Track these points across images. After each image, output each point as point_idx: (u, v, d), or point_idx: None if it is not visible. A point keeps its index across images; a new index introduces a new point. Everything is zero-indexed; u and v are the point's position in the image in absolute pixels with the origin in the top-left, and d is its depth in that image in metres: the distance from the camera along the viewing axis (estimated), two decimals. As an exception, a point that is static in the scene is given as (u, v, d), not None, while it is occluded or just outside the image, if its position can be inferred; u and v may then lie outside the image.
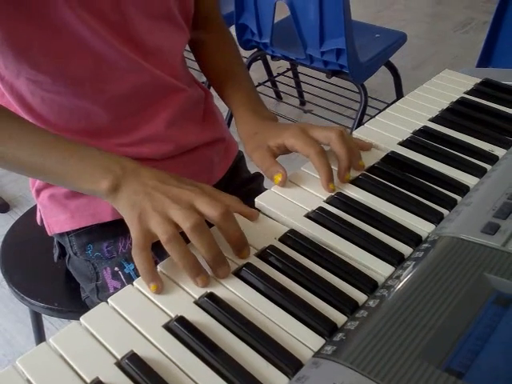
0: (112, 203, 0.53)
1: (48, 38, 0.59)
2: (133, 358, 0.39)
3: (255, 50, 1.86)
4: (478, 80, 0.80)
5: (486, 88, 0.78)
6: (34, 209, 0.85)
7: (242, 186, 0.87)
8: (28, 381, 0.38)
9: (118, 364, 0.39)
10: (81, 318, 0.43)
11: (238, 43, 1.77)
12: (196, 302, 0.45)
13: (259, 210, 0.56)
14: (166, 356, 0.40)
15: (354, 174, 0.60)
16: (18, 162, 0.55)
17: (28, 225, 0.93)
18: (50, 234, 0.76)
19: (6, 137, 0.55)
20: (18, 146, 0.55)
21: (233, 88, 0.75)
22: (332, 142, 0.59)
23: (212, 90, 0.83)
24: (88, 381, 0.38)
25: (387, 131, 0.69)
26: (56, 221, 0.74)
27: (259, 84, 2.20)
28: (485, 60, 1.29)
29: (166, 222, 0.47)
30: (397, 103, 0.75)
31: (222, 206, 0.49)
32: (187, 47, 0.80)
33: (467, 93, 0.77)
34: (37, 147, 0.55)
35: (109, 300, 0.44)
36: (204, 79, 0.88)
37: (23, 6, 0.56)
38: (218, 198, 0.52)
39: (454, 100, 0.75)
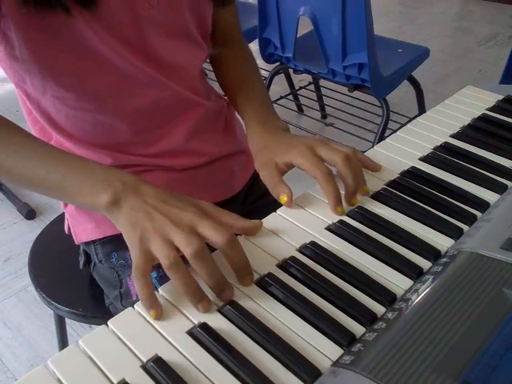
0: (111, 218, 0.52)
1: (72, 58, 0.62)
2: (157, 361, 0.41)
3: (278, 63, 1.88)
4: (501, 97, 0.81)
5: (508, 105, 0.79)
6: (61, 217, 0.88)
7: (262, 197, 0.87)
8: (58, 380, 0.40)
9: (144, 367, 0.41)
10: (108, 322, 0.44)
11: (261, 57, 1.83)
12: (219, 310, 0.46)
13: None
14: (189, 360, 0.42)
15: (374, 188, 0.61)
16: (23, 176, 0.56)
17: (55, 232, 0.96)
18: (76, 242, 0.78)
19: (12, 151, 0.56)
20: (24, 161, 0.55)
21: (245, 100, 0.76)
22: (337, 166, 0.58)
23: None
24: (115, 382, 0.40)
25: (408, 146, 0.69)
26: (83, 230, 0.76)
27: (281, 97, 2.22)
28: (508, 76, 1.29)
29: (167, 246, 0.46)
30: (418, 119, 0.76)
31: (227, 232, 0.48)
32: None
33: (489, 109, 0.78)
34: (41, 162, 0.55)
35: (135, 306, 0.46)
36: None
37: (47, 28, 0.59)
38: (219, 217, 0.52)
39: (476, 116, 0.76)
